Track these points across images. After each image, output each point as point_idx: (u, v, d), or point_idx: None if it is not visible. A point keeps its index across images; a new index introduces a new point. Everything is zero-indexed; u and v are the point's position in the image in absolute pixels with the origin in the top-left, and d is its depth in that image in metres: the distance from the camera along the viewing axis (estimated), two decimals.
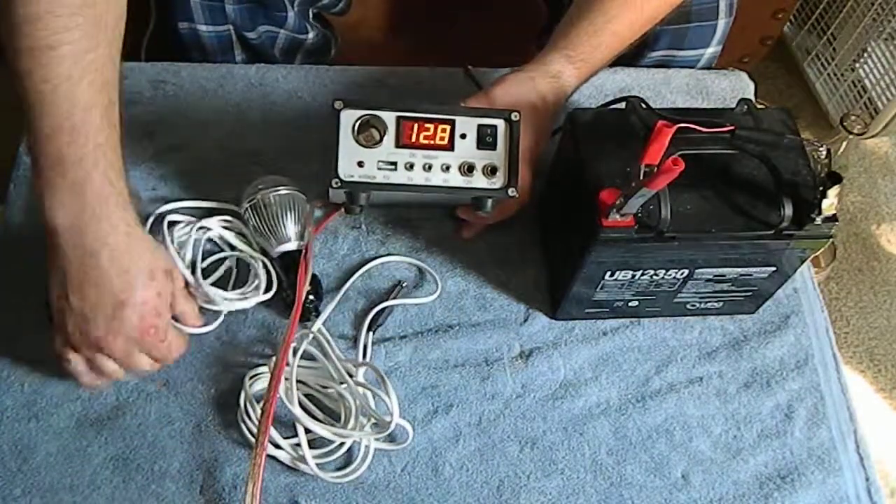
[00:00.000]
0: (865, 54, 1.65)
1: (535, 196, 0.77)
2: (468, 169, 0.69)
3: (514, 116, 0.69)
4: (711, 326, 0.79)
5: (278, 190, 0.75)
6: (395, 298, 0.77)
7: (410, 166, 0.69)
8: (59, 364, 0.66)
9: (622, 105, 0.70)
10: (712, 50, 0.95)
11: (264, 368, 0.71)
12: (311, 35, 1.01)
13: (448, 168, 0.69)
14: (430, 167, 0.68)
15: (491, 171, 0.69)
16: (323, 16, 1.06)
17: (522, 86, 0.74)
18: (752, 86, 0.95)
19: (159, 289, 0.66)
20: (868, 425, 0.77)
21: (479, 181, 0.70)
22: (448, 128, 0.69)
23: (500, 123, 0.70)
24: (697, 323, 0.79)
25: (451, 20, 1.15)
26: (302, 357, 0.70)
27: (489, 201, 0.70)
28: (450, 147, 0.69)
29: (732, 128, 0.64)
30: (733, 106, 0.70)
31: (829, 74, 1.74)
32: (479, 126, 0.69)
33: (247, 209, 0.75)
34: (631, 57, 0.92)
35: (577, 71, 0.75)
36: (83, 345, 0.64)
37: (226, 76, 0.89)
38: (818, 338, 0.80)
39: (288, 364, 0.69)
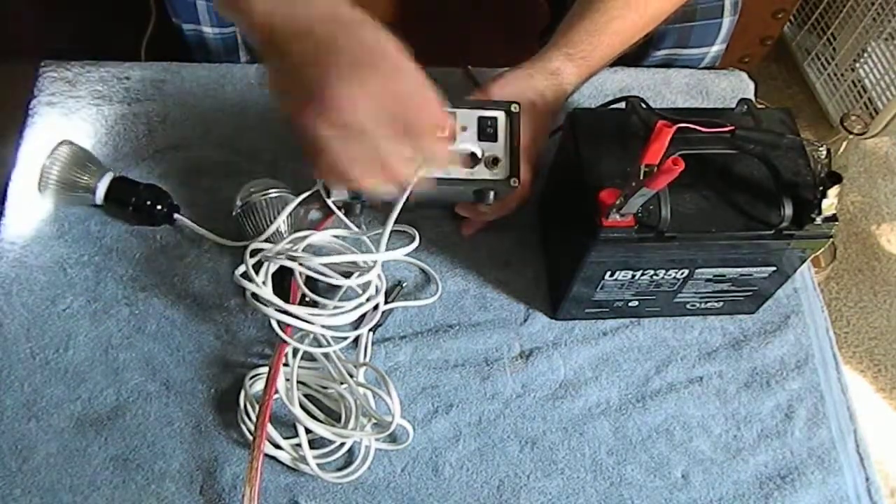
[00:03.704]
0: (865, 54, 1.66)
1: (536, 193, 0.77)
2: (471, 160, 0.69)
3: (514, 108, 0.70)
4: (711, 326, 0.79)
5: (269, 193, 0.75)
6: (395, 299, 0.77)
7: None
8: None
9: (622, 105, 0.70)
10: (717, 48, 0.95)
11: (264, 368, 0.71)
12: None
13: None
14: None
15: (493, 161, 0.70)
16: None
17: (520, 83, 0.74)
18: (752, 86, 0.95)
19: (375, 87, 0.53)
20: (868, 425, 0.77)
21: (481, 173, 0.70)
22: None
23: (500, 115, 0.70)
24: (697, 323, 0.79)
25: (451, 20, 1.15)
26: (302, 357, 0.70)
27: (491, 193, 0.70)
28: (451, 139, 0.69)
29: (732, 128, 0.64)
30: (733, 106, 0.70)
31: (829, 74, 1.74)
32: (480, 118, 0.70)
33: (238, 213, 0.75)
34: (635, 55, 0.92)
35: (577, 69, 0.75)
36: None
37: (226, 76, 0.89)
38: (818, 338, 0.80)
39: (288, 364, 0.69)
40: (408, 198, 0.66)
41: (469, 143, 0.69)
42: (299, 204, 0.76)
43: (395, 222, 0.67)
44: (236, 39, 0.92)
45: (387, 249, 0.68)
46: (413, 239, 0.72)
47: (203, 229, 0.77)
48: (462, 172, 0.70)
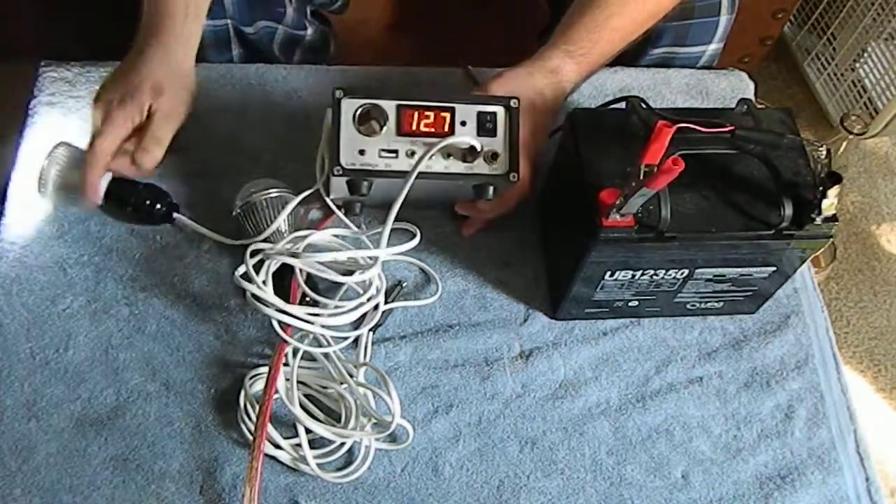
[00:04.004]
0: (865, 54, 1.65)
1: (535, 191, 0.77)
2: (470, 155, 0.69)
3: (514, 103, 0.70)
4: (711, 326, 0.79)
5: (269, 192, 0.75)
6: (395, 299, 0.77)
7: (412, 154, 0.69)
8: None
9: (622, 105, 0.70)
10: (714, 47, 0.95)
11: (264, 369, 0.71)
12: (309, 31, 1.01)
13: (449, 155, 0.69)
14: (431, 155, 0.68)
15: (492, 157, 0.70)
16: (321, 13, 1.06)
17: (520, 81, 0.74)
18: (752, 86, 0.95)
19: (135, 99, 0.73)
20: (868, 425, 0.77)
21: (480, 167, 0.70)
22: (448, 115, 0.69)
23: (499, 110, 0.70)
24: (697, 323, 0.79)
25: (451, 20, 1.15)
26: (302, 357, 0.70)
27: (491, 188, 0.70)
28: (450, 134, 0.69)
29: (732, 128, 0.64)
30: (733, 106, 0.70)
31: (829, 74, 1.74)
32: (479, 113, 0.70)
33: (238, 213, 0.75)
34: (633, 54, 0.92)
35: (577, 66, 0.75)
36: None
37: (225, 76, 0.89)
38: (818, 338, 0.80)
39: (288, 364, 0.69)
40: (407, 194, 0.66)
41: (468, 137, 0.69)
42: (299, 203, 0.76)
43: (396, 220, 0.67)
44: (228, 32, 0.92)
45: (387, 247, 0.68)
46: (413, 236, 0.72)
47: (203, 228, 0.77)
48: (461, 167, 0.70)
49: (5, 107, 0.89)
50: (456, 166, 0.70)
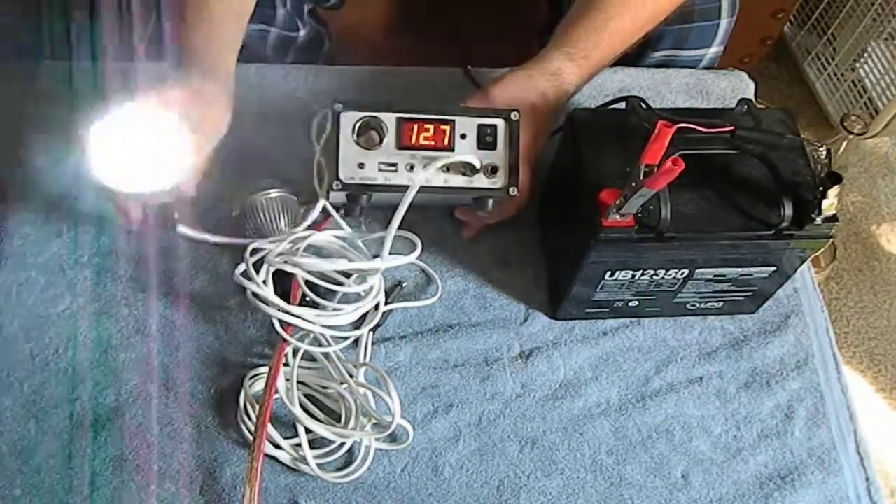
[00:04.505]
0: (865, 54, 1.65)
1: (535, 196, 0.77)
2: (469, 169, 0.69)
3: (514, 116, 0.70)
4: (711, 326, 0.79)
5: (269, 193, 0.75)
6: (395, 299, 0.77)
7: (411, 167, 0.69)
8: None
9: (622, 105, 0.70)
10: (714, 50, 0.95)
11: (264, 368, 0.71)
12: (302, 32, 1.00)
13: (449, 169, 0.69)
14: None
15: (492, 170, 0.70)
16: (317, 11, 1.06)
17: (521, 84, 0.74)
18: (752, 86, 0.95)
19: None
20: (868, 425, 0.77)
21: (480, 181, 0.70)
22: (448, 128, 0.69)
23: (499, 123, 0.70)
24: (697, 323, 0.79)
25: (451, 20, 1.15)
26: (302, 357, 0.70)
27: (490, 201, 0.70)
28: (450, 147, 0.69)
29: (732, 128, 0.64)
30: (733, 106, 0.70)
31: (829, 74, 1.74)
32: (479, 126, 0.69)
33: (238, 213, 0.75)
34: (633, 57, 0.92)
35: (578, 69, 0.75)
36: None
37: None
38: (818, 338, 0.80)
39: (288, 364, 0.69)
40: (410, 203, 0.66)
41: (468, 152, 0.69)
42: (299, 204, 0.76)
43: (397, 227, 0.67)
44: None
45: (388, 254, 0.68)
46: (415, 246, 0.72)
47: (207, 235, 0.77)
48: (460, 181, 0.70)
49: (5, 107, 0.89)
50: (455, 180, 0.70)
